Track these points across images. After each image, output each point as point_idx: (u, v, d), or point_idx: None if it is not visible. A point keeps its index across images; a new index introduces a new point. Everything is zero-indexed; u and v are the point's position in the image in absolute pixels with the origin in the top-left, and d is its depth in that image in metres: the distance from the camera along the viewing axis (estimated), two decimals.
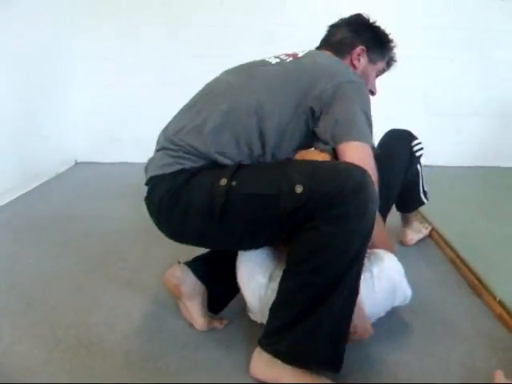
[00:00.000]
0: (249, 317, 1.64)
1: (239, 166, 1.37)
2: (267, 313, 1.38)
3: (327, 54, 1.69)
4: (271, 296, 1.38)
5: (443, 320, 1.70)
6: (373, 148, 1.45)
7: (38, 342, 1.55)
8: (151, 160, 1.56)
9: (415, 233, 2.38)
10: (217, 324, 1.63)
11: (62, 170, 3.76)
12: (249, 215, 1.31)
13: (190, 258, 1.71)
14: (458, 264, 2.07)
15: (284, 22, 3.71)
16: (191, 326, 1.63)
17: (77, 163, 4.00)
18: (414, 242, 2.36)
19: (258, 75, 1.55)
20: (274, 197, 1.26)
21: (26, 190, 3.18)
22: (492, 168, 3.92)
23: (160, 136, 1.59)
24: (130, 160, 3.96)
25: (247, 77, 1.56)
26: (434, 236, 2.41)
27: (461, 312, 1.76)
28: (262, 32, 3.69)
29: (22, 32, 3.14)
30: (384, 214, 1.95)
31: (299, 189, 1.22)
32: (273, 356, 1.33)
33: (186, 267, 1.63)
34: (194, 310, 1.61)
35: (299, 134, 1.48)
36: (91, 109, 3.91)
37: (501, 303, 1.72)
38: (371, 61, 1.76)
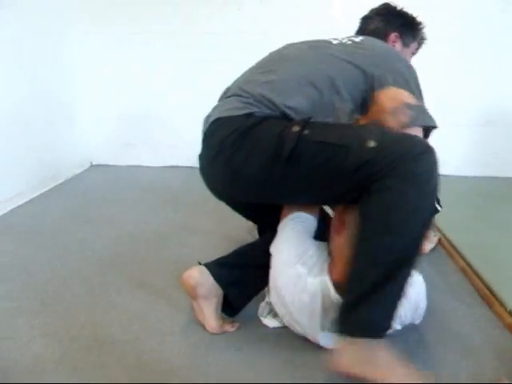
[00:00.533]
0: (260, 321, 1.66)
1: (311, 120, 1.40)
2: (297, 305, 1.45)
3: (380, 41, 1.79)
4: (307, 288, 1.43)
5: (453, 329, 1.70)
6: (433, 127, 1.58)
7: (53, 340, 1.58)
8: (216, 107, 1.61)
9: (429, 242, 2.38)
10: (228, 327, 1.65)
11: (78, 172, 3.80)
12: (315, 162, 1.32)
13: (210, 257, 1.72)
14: (469, 273, 2.07)
15: (300, 29, 3.72)
16: (204, 327, 1.64)
17: (92, 165, 4.04)
18: (427, 250, 2.36)
19: (327, 51, 1.63)
20: (344, 148, 1.28)
21: (42, 191, 3.22)
22: (506, 179, 3.90)
23: (227, 89, 1.69)
24: (144, 163, 3.99)
25: (317, 51, 1.66)
26: (445, 245, 2.41)
27: (471, 321, 1.75)
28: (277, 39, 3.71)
29: (37, 36, 3.21)
30: None
31: (372, 143, 1.26)
32: (358, 336, 1.26)
33: (204, 269, 1.64)
34: (208, 312, 1.63)
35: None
36: (107, 112, 3.94)
37: (511, 313, 1.72)
38: (405, 44, 1.93)
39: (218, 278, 1.62)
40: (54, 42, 3.44)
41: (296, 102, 1.47)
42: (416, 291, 1.50)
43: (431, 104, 3.67)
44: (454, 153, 3.96)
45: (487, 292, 1.89)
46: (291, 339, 1.59)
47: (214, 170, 1.56)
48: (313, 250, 1.55)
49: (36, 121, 3.19)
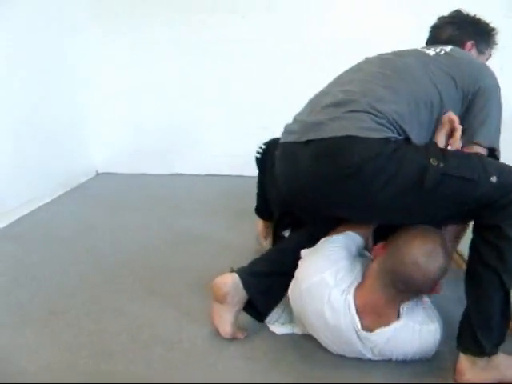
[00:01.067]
0: (268, 328, 1.66)
1: (443, 149, 1.50)
2: (318, 316, 1.49)
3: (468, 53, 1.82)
4: (330, 301, 1.46)
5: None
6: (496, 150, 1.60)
7: (62, 348, 1.58)
8: (335, 120, 1.49)
9: None
10: (239, 334, 1.66)
11: (83, 180, 3.80)
12: (447, 193, 1.42)
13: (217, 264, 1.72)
14: None
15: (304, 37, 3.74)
16: (216, 333, 1.65)
17: (98, 174, 4.05)
18: None
19: (432, 65, 1.63)
20: (473, 182, 1.40)
21: (49, 200, 3.23)
22: None
23: (335, 99, 1.56)
24: (150, 172, 4.00)
25: (426, 67, 1.63)
26: (453, 256, 2.39)
27: None
28: (282, 47, 3.73)
29: (48, 45, 3.23)
30: None
31: (494, 179, 1.39)
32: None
33: (237, 277, 1.66)
34: (228, 318, 1.65)
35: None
36: (113, 120, 3.95)
37: None
38: (481, 52, 1.90)
39: (247, 287, 1.65)
40: (64, 50, 3.46)
41: (416, 130, 1.51)
42: (427, 338, 1.50)
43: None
44: None
45: None
46: (300, 347, 1.60)
47: (331, 186, 1.50)
48: (346, 265, 1.54)
49: (42, 129, 3.20)
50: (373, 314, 1.47)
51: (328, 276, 1.49)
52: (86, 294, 1.96)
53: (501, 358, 1.45)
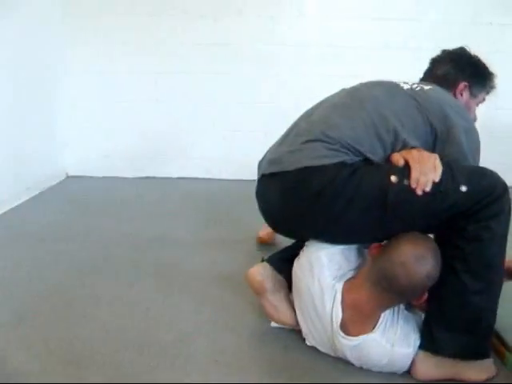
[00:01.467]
0: (236, 329, 1.68)
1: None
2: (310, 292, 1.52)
3: (449, 95, 1.77)
4: (321, 280, 1.50)
5: None
6: None
7: (31, 354, 1.57)
8: (292, 151, 1.57)
9: None
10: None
11: (53, 183, 3.77)
12: (414, 208, 1.43)
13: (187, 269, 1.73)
14: None
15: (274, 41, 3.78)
16: (280, 326, 1.72)
17: (68, 177, 4.02)
18: None
19: (399, 98, 1.65)
20: (441, 194, 1.40)
21: (17, 204, 3.19)
22: None
23: (299, 129, 1.64)
24: (120, 175, 3.98)
25: (389, 96, 1.65)
26: None
27: None
28: (254, 50, 3.76)
29: (16, 46, 3.19)
30: None
31: (463, 188, 1.39)
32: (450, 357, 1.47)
33: (267, 265, 1.71)
34: (280, 303, 1.69)
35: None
36: (83, 123, 3.93)
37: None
38: (473, 95, 1.86)
39: (280, 271, 1.70)
40: (34, 52, 3.41)
41: (374, 146, 1.53)
42: (401, 360, 1.49)
43: None
44: None
45: None
46: (268, 347, 1.63)
47: (301, 218, 1.57)
48: (344, 252, 1.59)
49: (12, 132, 3.17)
50: (353, 313, 1.47)
51: (323, 255, 1.54)
52: (55, 299, 1.94)
53: (471, 365, 1.48)
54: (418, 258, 1.39)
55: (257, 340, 1.71)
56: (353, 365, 1.53)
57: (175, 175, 3.96)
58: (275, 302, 1.68)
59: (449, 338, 1.45)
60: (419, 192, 1.38)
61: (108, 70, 3.82)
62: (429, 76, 1.91)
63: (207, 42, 3.73)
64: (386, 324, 1.48)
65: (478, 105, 1.93)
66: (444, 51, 1.95)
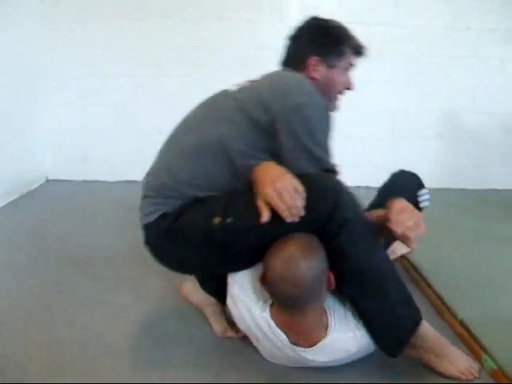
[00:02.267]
0: (213, 335, 1.68)
1: (227, 201, 1.44)
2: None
3: (283, 75, 1.65)
4: (269, 326, 1.45)
5: None
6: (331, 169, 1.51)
7: (10, 361, 1.55)
8: (140, 208, 1.64)
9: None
10: (232, 334, 1.69)
11: (33, 187, 3.74)
12: (249, 243, 1.43)
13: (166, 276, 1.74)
14: (421, 284, 2.14)
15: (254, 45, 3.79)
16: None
17: (48, 180, 3.99)
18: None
19: (218, 109, 1.59)
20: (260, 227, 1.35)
21: None
22: (457, 190, 4.03)
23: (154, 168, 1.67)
24: (100, 178, 3.96)
25: (208, 111, 1.62)
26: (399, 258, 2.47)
27: None
28: (233, 54, 3.77)
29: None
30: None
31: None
32: None
33: (196, 282, 1.75)
34: (210, 318, 1.75)
35: (267, 153, 1.49)
36: (63, 127, 3.90)
37: (462, 323, 1.78)
38: (331, 66, 1.68)
39: (203, 287, 1.73)
40: (13, 54, 3.38)
41: (198, 179, 1.51)
42: (364, 343, 1.48)
43: (384, 120, 3.74)
44: (409, 166, 4.07)
45: (438, 302, 1.96)
46: (243, 351, 1.62)
47: (161, 262, 1.65)
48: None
49: None
50: (295, 332, 1.43)
51: (237, 289, 1.52)
52: (34, 304, 1.93)
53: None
54: (287, 264, 1.34)
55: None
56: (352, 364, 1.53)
57: None
58: (207, 315, 1.76)
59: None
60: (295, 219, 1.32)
61: (88, 74, 3.80)
62: (282, 59, 1.76)
63: (188, 45, 3.73)
64: (335, 318, 1.45)
65: (347, 71, 1.73)
66: (295, 27, 1.75)
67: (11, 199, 3.36)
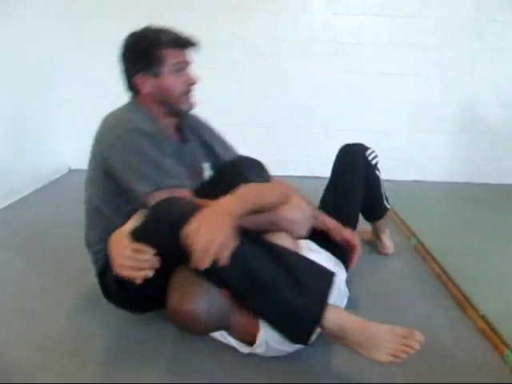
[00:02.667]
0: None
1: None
2: None
3: (101, 126, 1.83)
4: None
5: (427, 332, 1.63)
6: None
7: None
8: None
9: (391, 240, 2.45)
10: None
11: (56, 177, 3.79)
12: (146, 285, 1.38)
13: None
14: (444, 279, 2.12)
15: (278, 37, 3.78)
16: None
17: (70, 170, 4.02)
18: (393, 249, 2.43)
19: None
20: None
21: (20, 197, 3.20)
22: (479, 185, 3.98)
23: None
24: None
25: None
26: (420, 251, 2.46)
27: (445, 325, 1.80)
28: (258, 46, 3.77)
29: (15, 47, 3.20)
30: (354, 224, 2.01)
31: None
32: None
33: None
34: None
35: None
36: (84, 116, 3.91)
37: (484, 318, 1.77)
38: (156, 75, 1.66)
39: None
40: (35, 49, 3.43)
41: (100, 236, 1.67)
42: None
43: (407, 113, 3.70)
44: (431, 159, 4.05)
45: (461, 297, 1.95)
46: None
47: None
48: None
49: (15, 127, 3.18)
50: (236, 333, 1.54)
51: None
52: (59, 291, 1.95)
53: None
54: (180, 298, 1.41)
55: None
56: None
57: None
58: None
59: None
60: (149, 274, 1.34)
61: (107, 67, 3.81)
62: (125, 87, 1.82)
63: (209, 37, 3.73)
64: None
65: (180, 70, 1.70)
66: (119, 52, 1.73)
67: (34, 189, 3.40)
